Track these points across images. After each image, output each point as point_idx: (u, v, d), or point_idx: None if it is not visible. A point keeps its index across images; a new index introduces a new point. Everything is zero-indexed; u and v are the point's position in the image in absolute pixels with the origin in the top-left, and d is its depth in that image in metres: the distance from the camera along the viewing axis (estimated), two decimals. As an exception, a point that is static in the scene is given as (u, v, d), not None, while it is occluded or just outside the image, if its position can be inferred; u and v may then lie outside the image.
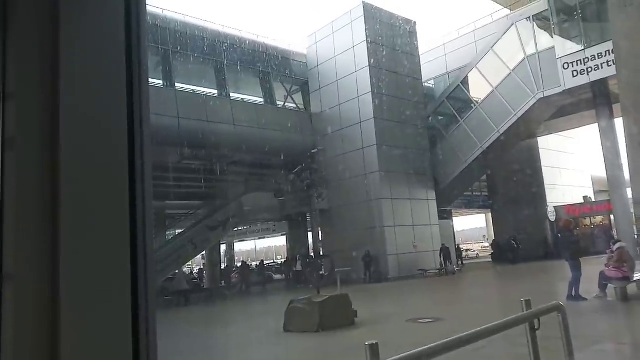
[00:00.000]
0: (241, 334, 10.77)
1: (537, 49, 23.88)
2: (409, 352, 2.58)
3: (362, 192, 24.20)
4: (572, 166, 34.23)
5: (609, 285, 10.36)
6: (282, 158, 24.19)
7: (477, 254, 44.98)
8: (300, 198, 25.60)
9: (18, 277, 0.63)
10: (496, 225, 34.34)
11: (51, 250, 0.64)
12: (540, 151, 31.76)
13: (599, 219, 29.92)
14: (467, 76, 26.96)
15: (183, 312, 17.37)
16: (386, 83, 25.11)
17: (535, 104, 24.07)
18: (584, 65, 21.75)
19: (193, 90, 24.31)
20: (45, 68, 0.67)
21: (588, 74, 21.70)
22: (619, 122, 21.17)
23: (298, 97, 28.32)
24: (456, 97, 27.60)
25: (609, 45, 18.64)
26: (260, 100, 26.56)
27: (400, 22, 26.82)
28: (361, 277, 22.15)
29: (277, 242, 56.16)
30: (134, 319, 0.70)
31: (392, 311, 12.37)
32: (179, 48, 22.62)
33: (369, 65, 24.63)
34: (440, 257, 24.50)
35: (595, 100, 23.03)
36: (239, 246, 54.80)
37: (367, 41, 24.82)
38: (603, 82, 21.52)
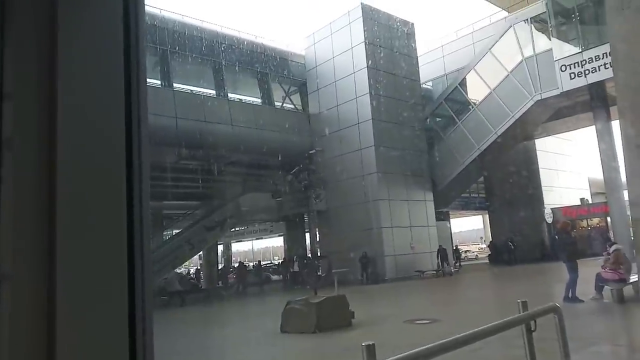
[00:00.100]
0: (238, 334, 10.76)
1: (534, 51, 23.94)
2: (405, 353, 2.58)
3: (360, 193, 24.21)
4: (569, 168, 34.34)
5: (606, 287, 10.38)
6: (280, 159, 24.19)
7: (476, 255, 45.11)
8: (298, 199, 25.59)
9: (14, 277, 0.62)
10: (493, 226, 34.42)
11: (48, 250, 0.64)
12: (538, 153, 31.85)
13: (595, 221, 30.00)
14: (465, 78, 27.01)
15: (179, 312, 17.33)
16: (384, 84, 25.14)
17: (532, 106, 24.13)
18: (582, 67, 21.81)
19: (191, 90, 24.30)
20: (43, 68, 0.67)
21: (585, 77, 21.76)
22: (615, 125, 21.25)
23: (296, 98, 28.33)
24: (454, 99, 27.65)
25: (606, 48, 18.71)
26: (258, 100, 26.56)
27: (398, 23, 26.86)
28: (358, 278, 22.16)
29: (274, 243, 56.18)
30: (131, 319, 0.70)
31: (389, 312, 12.37)
32: (177, 48, 22.60)
33: (367, 67, 24.66)
34: (438, 258, 24.53)
35: (592, 103, 23.09)
36: (236, 247, 54.78)
37: (365, 42, 24.86)
38: (600, 84, 21.59)
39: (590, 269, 11.31)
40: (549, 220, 29.72)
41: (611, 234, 22.73)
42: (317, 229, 27.17)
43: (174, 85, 22.75)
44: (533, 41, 24.12)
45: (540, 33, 24.24)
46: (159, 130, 18.56)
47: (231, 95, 25.46)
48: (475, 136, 25.72)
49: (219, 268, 32.37)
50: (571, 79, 22.20)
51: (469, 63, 26.94)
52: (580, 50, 22.05)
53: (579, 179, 35.43)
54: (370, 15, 25.53)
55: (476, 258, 43.08)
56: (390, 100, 25.14)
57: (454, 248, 33.81)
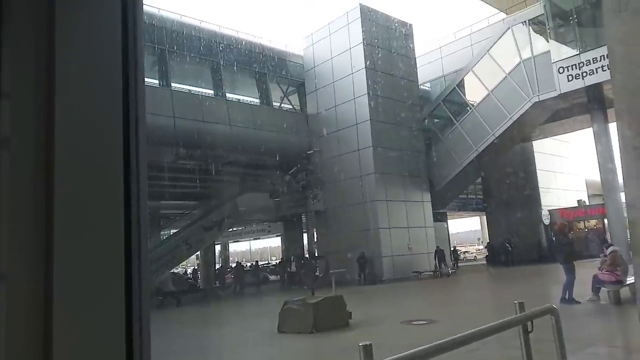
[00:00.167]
0: (235, 334, 10.76)
1: (532, 53, 24.00)
2: (402, 354, 2.58)
3: (358, 194, 24.23)
4: (566, 170, 34.42)
5: (602, 288, 10.41)
6: (278, 159, 24.19)
7: (475, 256, 45.28)
8: (296, 199, 25.60)
9: (11, 277, 0.62)
10: (491, 228, 34.47)
11: (45, 250, 0.64)
12: (535, 155, 31.93)
13: (592, 222, 30.06)
14: (463, 79, 27.06)
15: (175, 312, 17.30)
16: (382, 85, 25.17)
17: (530, 107, 24.18)
18: (579, 69, 21.87)
19: (189, 90, 24.27)
20: (41, 68, 0.67)
21: (583, 79, 21.82)
22: (612, 127, 21.31)
23: (294, 98, 28.34)
24: (452, 100, 27.69)
25: (603, 50, 18.75)
26: (256, 100, 26.55)
27: (396, 24, 26.90)
28: (356, 278, 22.17)
29: (272, 243, 56.13)
30: (128, 319, 0.70)
31: (386, 313, 12.38)
32: (175, 48, 22.58)
33: (366, 67, 24.69)
34: (435, 259, 24.56)
35: (589, 105, 23.17)
36: (234, 247, 54.72)
37: (364, 43, 24.88)
38: (598, 86, 21.65)
39: (587, 270, 11.34)
40: (546, 221, 29.79)
41: (608, 236, 22.80)
42: (314, 230, 27.18)
43: (172, 84, 22.73)
44: (531, 43, 24.18)
45: (538, 35, 24.30)
46: (156, 129, 18.52)
47: (229, 95, 25.44)
48: (473, 137, 25.76)
49: (217, 268, 32.35)
50: (569, 81, 22.26)
51: (467, 64, 26.99)
52: (578, 53, 22.12)
53: (577, 181, 35.51)
54: (368, 16, 25.56)
55: (475, 259, 43.23)
56: (388, 101, 25.16)
57: (452, 249, 33.91)
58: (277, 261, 38.34)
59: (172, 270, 25.57)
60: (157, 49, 21.89)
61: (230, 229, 34.91)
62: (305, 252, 29.83)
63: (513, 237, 29.18)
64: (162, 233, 27.57)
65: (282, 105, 27.69)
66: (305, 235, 31.33)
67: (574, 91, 22.51)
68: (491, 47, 25.65)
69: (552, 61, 22.73)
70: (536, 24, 24.29)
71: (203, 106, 22.69)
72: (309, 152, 25.88)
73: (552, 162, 33.07)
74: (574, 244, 13.23)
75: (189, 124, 21.59)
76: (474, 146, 25.68)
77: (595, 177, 25.37)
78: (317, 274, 22.25)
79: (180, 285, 22.27)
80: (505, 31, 25.17)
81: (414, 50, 27.71)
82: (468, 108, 26.68)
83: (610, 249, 10.91)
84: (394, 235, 24.03)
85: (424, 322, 9.73)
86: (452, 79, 28.28)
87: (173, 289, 20.24)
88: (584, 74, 21.73)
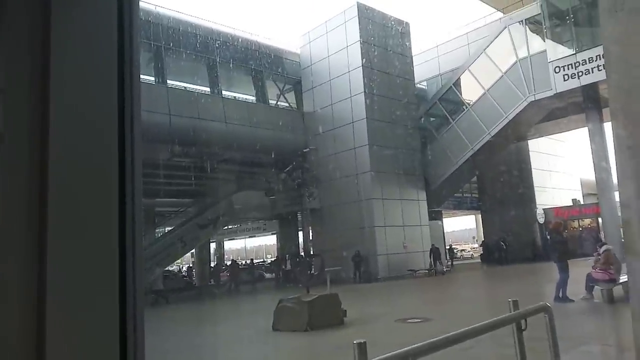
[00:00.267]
0: (230, 332, 10.74)
1: (529, 52, 24.05)
2: (396, 352, 2.59)
3: (353, 192, 24.24)
4: (561, 169, 34.55)
5: (596, 287, 10.47)
6: (274, 157, 24.14)
7: (472, 254, 45.52)
8: (291, 197, 25.59)
9: (4, 277, 0.62)
10: (486, 226, 34.58)
11: (38, 249, 0.64)
12: (530, 153, 32.02)
13: (587, 221, 30.21)
14: (459, 78, 27.10)
15: (168, 311, 17.27)
16: (379, 83, 25.18)
17: (526, 106, 24.24)
18: (575, 69, 21.93)
19: (185, 87, 24.18)
20: (36, 66, 0.66)
21: (579, 78, 21.89)
22: (607, 126, 21.40)
23: (290, 96, 28.29)
24: (448, 99, 27.74)
25: (599, 50, 18.82)
26: (252, 98, 26.50)
27: (393, 22, 26.90)
28: (351, 276, 22.19)
29: (267, 241, 56.12)
30: (122, 318, 0.70)
31: (381, 311, 12.40)
32: (171, 45, 22.49)
33: (362, 66, 24.68)
34: (430, 257, 24.62)
35: (585, 104, 23.24)
36: (229, 245, 54.64)
37: (361, 41, 24.87)
38: (593, 86, 21.72)
39: (581, 269, 11.40)
40: (541, 220, 29.90)
41: (602, 235, 22.90)
42: (310, 228, 27.18)
43: (168, 81, 22.65)
44: (527, 42, 24.23)
45: (534, 34, 24.35)
46: (152, 127, 18.47)
47: (225, 93, 25.38)
48: (468, 136, 25.82)
49: (212, 266, 32.32)
50: (565, 80, 22.33)
51: (463, 63, 27.02)
52: (574, 52, 22.18)
53: (571, 180, 35.66)
54: (365, 14, 25.55)
55: (472, 257, 43.46)
56: (384, 99, 25.18)
57: (449, 247, 34.03)
58: (273, 259, 38.34)
59: (166, 268, 25.53)
60: (153, 45, 21.80)
61: (226, 227, 34.85)
62: (301, 250, 29.82)
63: (508, 235, 29.29)
64: (157, 231, 27.50)
65: (279, 103, 27.64)
66: (300, 233, 31.31)
67: (570, 90, 22.59)
68: (488, 46, 25.69)
69: (548, 60, 22.79)
70: (533, 23, 24.34)
71: (199, 103, 22.63)
72: (304, 150, 25.87)
73: (547, 161, 33.19)
74: (568, 242, 13.31)
75: (184, 121, 21.53)
76: (470, 145, 25.74)
77: (590, 176, 25.48)
78: (312, 272, 22.25)
79: (176, 283, 22.23)
80: (502, 30, 25.21)
81: (410, 48, 27.72)
82: (464, 107, 26.73)
83: (604, 247, 10.97)
84: (390, 234, 24.07)
85: (419, 320, 9.76)
86: (448, 78, 28.31)
87: (162, 287, 20.23)
88: (580, 74, 21.81)
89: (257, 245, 61.65)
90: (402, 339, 6.78)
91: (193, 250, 29.85)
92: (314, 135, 26.10)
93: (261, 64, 26.14)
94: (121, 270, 0.70)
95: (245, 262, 37.32)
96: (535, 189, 31.42)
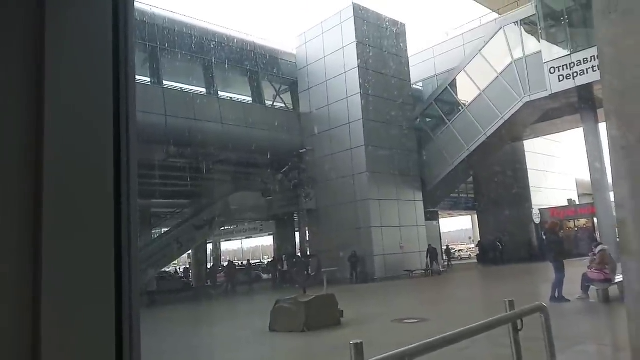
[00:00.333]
0: (226, 333, 10.73)
1: (524, 53, 24.13)
2: (393, 352, 2.59)
3: (350, 193, 24.26)
4: (557, 169, 34.66)
5: (591, 287, 10.51)
6: (270, 157, 24.13)
7: (470, 254, 45.64)
8: (288, 198, 25.58)
9: (-1, 276, 0.62)
10: (482, 227, 34.64)
11: (33, 249, 0.64)
12: (526, 154, 32.12)
13: (582, 221, 30.31)
14: (455, 79, 27.16)
15: (165, 312, 17.22)
16: (374, 84, 25.20)
17: (521, 107, 24.31)
18: (570, 70, 22.02)
19: (181, 88, 24.14)
20: (30, 66, 0.66)
21: (574, 79, 21.98)
22: (602, 127, 21.50)
23: (287, 97, 28.29)
24: (444, 100, 27.78)
25: (594, 51, 18.89)
26: (248, 99, 26.47)
27: (388, 23, 26.94)
28: (347, 277, 22.20)
29: (264, 242, 55.96)
30: (118, 318, 0.70)
31: (377, 311, 12.41)
32: (167, 45, 22.44)
33: (358, 66, 24.70)
34: (427, 257, 24.66)
35: (580, 105, 23.34)
36: (226, 246, 54.53)
37: (356, 42, 24.89)
38: (588, 87, 21.80)
39: (576, 269, 11.44)
40: (537, 220, 29.99)
41: (597, 235, 22.99)
42: (306, 228, 27.18)
43: (164, 82, 22.60)
44: (523, 43, 24.31)
45: (529, 35, 24.43)
46: (147, 127, 18.42)
47: (221, 94, 25.35)
48: (464, 137, 25.88)
49: (208, 267, 32.26)
50: (560, 81, 22.42)
51: (459, 64, 27.09)
52: (569, 53, 22.27)
53: (567, 180, 35.77)
54: (361, 15, 25.57)
55: (469, 257, 43.58)
56: (380, 100, 25.20)
57: (446, 248, 34.13)
58: (269, 260, 38.30)
59: (163, 269, 25.47)
60: (148, 46, 21.75)
61: (222, 228, 34.82)
62: (297, 250, 29.82)
63: (504, 235, 29.36)
64: (153, 232, 27.42)
65: (275, 103, 27.63)
66: (297, 234, 31.32)
67: (565, 91, 22.67)
68: (483, 47, 25.76)
69: (544, 61, 22.87)
70: (528, 24, 24.42)
71: (195, 104, 22.59)
72: (301, 151, 25.86)
73: (542, 161, 33.29)
74: (564, 242, 13.35)
75: (180, 122, 21.48)
76: (466, 145, 25.79)
77: (585, 176, 25.61)
78: (309, 272, 22.25)
79: (174, 284, 22.20)
80: (497, 31, 25.29)
81: (406, 49, 27.76)
82: (460, 107, 26.79)
83: (600, 247, 11.01)
84: (386, 234, 24.09)
85: (415, 321, 9.77)
86: (444, 79, 28.38)
87: (155, 289, 20.24)
88: (575, 75, 21.90)
89: (253, 246, 61.50)
90: (398, 339, 6.79)
91: (190, 252, 29.78)
92: (310, 135, 26.11)
93: (257, 64, 26.13)
94: (117, 271, 0.70)
95: (242, 263, 37.24)
96: (531, 189, 31.52)
